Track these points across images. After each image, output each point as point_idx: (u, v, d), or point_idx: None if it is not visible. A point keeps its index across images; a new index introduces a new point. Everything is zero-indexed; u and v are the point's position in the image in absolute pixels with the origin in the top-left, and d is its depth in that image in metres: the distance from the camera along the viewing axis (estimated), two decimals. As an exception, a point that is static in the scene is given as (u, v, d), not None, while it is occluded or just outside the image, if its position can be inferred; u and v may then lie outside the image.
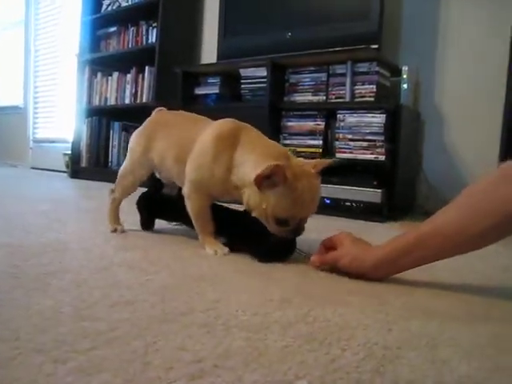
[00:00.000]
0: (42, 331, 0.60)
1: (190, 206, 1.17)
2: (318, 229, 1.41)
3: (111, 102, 3.62)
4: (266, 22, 2.55)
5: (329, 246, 1.01)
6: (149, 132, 1.33)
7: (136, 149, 1.34)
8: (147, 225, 1.39)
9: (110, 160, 3.60)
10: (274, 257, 1.09)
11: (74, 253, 1.09)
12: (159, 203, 1.38)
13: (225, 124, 1.16)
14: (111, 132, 3.62)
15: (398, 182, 2.09)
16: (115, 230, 1.33)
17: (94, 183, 3.34)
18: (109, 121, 3.66)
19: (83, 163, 3.76)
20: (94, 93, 3.76)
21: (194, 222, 1.18)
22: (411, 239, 0.88)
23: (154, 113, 1.43)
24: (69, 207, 2.05)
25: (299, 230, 1.05)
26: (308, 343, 0.61)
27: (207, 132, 1.15)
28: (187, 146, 1.18)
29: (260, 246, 1.10)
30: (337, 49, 2.23)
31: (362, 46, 2.14)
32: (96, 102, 3.75)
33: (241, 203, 1.10)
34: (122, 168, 1.39)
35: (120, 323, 0.64)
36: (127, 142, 3.36)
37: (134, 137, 1.38)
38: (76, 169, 3.78)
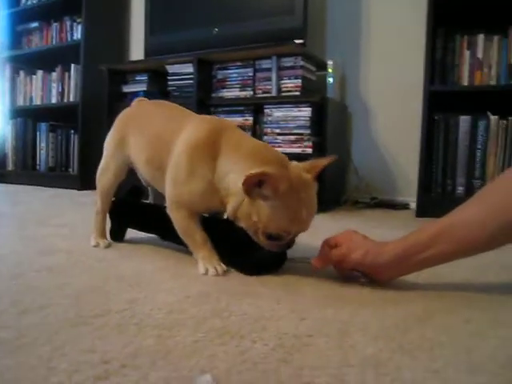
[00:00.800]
0: None
1: (175, 224, 1.01)
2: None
3: (36, 101, 3.46)
4: (193, 19, 2.52)
5: (333, 244, 0.90)
6: (122, 126, 1.20)
7: (110, 143, 1.20)
8: (115, 235, 1.24)
9: (37, 163, 3.44)
10: (264, 269, 0.96)
11: None
12: (134, 211, 1.23)
13: (201, 127, 0.99)
14: (38, 133, 3.46)
15: (326, 174, 2.12)
16: (97, 245, 1.18)
17: (22, 187, 3.18)
18: (35, 122, 3.49)
19: (9, 166, 3.59)
20: (18, 92, 3.59)
21: (183, 238, 1.02)
22: (432, 232, 0.82)
23: (133, 103, 1.28)
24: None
25: (291, 243, 0.93)
26: (220, 337, 0.62)
27: (181, 138, 0.99)
28: (160, 148, 1.04)
29: (246, 258, 0.97)
30: (262, 44, 2.23)
31: (287, 41, 2.16)
32: (20, 102, 3.57)
33: None
34: (98, 169, 1.23)
35: (28, 330, 0.62)
36: (55, 144, 3.31)
37: (110, 132, 1.23)
38: (1, 172, 3.60)
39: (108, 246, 1.18)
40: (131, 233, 1.25)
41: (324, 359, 0.56)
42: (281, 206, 0.86)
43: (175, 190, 1.00)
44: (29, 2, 3.46)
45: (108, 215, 1.23)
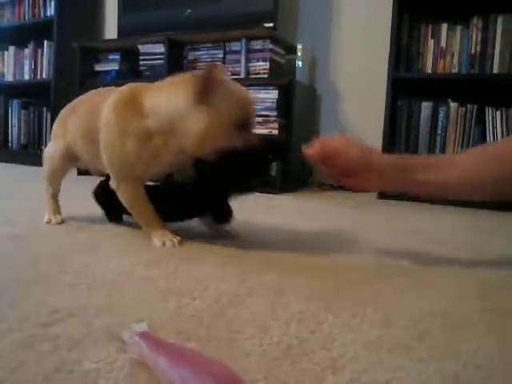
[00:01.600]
0: None
1: (122, 198, 1.02)
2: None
3: (8, 78, 3.43)
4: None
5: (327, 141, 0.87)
6: (63, 114, 1.22)
7: (54, 130, 1.23)
8: (113, 216, 1.22)
9: (9, 140, 3.43)
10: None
11: None
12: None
13: (120, 90, 1.02)
14: (10, 110, 3.44)
15: (291, 155, 2.18)
16: (49, 221, 1.18)
17: (-7, 165, 3.18)
18: (7, 98, 3.47)
19: (-21, 144, 3.56)
20: (-11, 69, 3.55)
21: (133, 214, 1.04)
22: (435, 159, 0.85)
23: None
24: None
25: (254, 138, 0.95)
26: (162, 295, 0.67)
27: (105, 104, 1.01)
28: (91, 119, 1.05)
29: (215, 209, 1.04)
30: (233, 27, 2.26)
31: (258, 25, 2.20)
32: (-8, 78, 3.54)
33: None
34: (44, 154, 1.24)
35: None
36: (27, 121, 3.30)
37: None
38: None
39: (61, 223, 1.19)
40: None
41: (254, 314, 0.62)
42: (230, 91, 0.91)
43: (112, 157, 1.00)
44: (0, -25, 3.41)
45: (94, 197, 1.21)
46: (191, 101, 0.89)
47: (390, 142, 2.10)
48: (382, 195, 2.06)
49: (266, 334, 0.56)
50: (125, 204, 1.03)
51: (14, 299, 0.64)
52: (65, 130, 1.17)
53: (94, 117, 1.03)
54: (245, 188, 1.01)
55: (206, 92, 0.87)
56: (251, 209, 1.56)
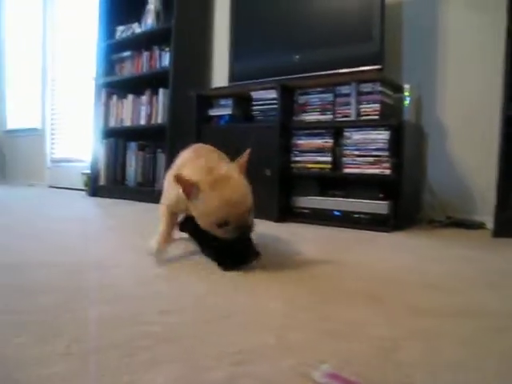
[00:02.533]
0: (110, 333, 0.75)
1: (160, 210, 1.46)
2: (327, 238, 1.55)
3: (127, 123, 3.79)
4: (275, 46, 2.71)
5: None
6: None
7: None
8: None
9: (126, 178, 3.76)
10: (234, 263, 1.24)
11: (111, 269, 1.24)
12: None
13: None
14: (128, 152, 3.79)
15: (403, 193, 2.22)
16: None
17: (113, 200, 3.50)
18: (125, 141, 3.83)
19: (101, 181, 3.93)
20: (111, 115, 3.94)
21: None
22: None
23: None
24: (95, 225, 2.20)
25: (242, 227, 1.20)
26: (325, 336, 0.76)
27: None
28: None
29: (218, 256, 1.28)
30: (342, 71, 2.37)
31: (366, 68, 2.29)
32: (112, 123, 3.92)
33: None
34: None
35: (171, 326, 0.80)
36: (143, 161, 3.61)
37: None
38: (95, 187, 3.96)
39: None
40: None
41: (415, 358, 0.69)
42: (208, 198, 1.17)
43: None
44: (123, 35, 3.82)
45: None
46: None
47: (506, 176, 2.04)
48: (497, 232, 2.02)
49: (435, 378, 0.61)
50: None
51: (204, 337, 0.75)
52: None
53: None
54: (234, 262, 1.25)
55: (188, 195, 1.20)
56: (371, 248, 1.62)
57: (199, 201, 1.18)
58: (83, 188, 4.22)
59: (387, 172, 2.18)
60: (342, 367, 0.64)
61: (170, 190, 1.38)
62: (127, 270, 1.23)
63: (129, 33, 3.77)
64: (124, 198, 3.58)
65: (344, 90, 2.38)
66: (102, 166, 3.92)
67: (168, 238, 1.40)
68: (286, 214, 2.44)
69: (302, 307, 0.93)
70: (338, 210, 2.29)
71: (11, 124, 5.96)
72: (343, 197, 2.29)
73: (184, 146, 1.63)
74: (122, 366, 0.63)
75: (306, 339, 0.75)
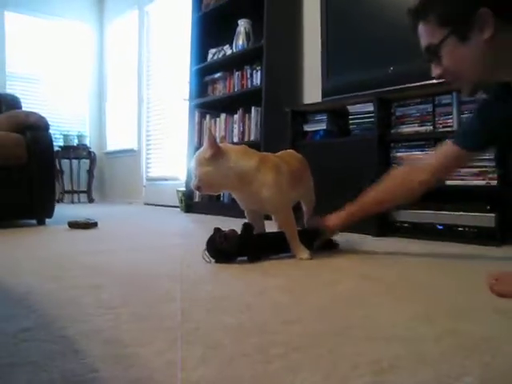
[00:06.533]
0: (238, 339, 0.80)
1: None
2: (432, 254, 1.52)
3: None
4: (367, 60, 2.70)
5: None
6: None
7: None
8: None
9: (221, 194, 3.89)
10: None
11: (227, 280, 1.30)
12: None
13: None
14: (221, 169, 3.91)
15: (511, 205, 2.11)
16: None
17: (208, 217, 3.64)
18: (219, 159, 3.96)
19: (196, 198, 4.10)
20: (204, 133, 4.11)
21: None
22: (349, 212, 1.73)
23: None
24: (197, 240, 2.30)
25: None
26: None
27: None
28: None
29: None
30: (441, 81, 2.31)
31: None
32: (206, 142, 4.07)
33: None
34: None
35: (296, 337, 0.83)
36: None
37: None
38: (190, 204, 4.13)
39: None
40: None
41: None
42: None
43: None
44: (215, 57, 3.99)
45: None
46: None
47: None
48: None
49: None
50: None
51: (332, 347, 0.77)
52: None
53: None
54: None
55: None
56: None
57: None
58: (178, 205, 4.42)
59: (493, 183, 2.09)
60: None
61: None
62: (239, 282, 1.28)
63: (220, 55, 3.94)
64: (218, 215, 3.71)
65: (444, 99, 2.31)
66: (196, 183, 4.08)
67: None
68: (386, 228, 2.40)
69: (423, 319, 0.92)
70: (440, 224, 2.22)
71: (110, 146, 6.40)
72: (447, 210, 2.21)
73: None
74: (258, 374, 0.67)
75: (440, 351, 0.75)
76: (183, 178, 4.30)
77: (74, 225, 2.67)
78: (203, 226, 3.14)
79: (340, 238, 1.93)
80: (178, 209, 4.42)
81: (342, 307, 1.03)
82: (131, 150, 5.80)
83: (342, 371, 0.68)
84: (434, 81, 2.32)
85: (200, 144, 4.09)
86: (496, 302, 1.06)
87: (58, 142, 5.70)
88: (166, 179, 5.15)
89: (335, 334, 0.85)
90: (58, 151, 5.58)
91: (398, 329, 0.87)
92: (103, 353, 0.75)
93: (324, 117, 2.82)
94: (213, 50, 4.04)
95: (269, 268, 1.49)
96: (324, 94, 2.91)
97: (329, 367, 0.69)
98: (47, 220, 2.85)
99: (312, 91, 3.36)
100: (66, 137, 5.83)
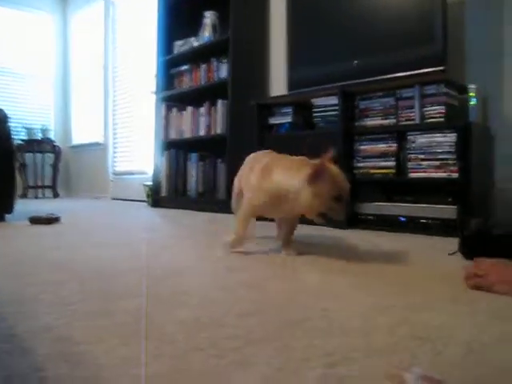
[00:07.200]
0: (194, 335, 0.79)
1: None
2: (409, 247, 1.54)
3: (187, 134, 3.89)
4: (332, 52, 2.72)
5: None
6: None
7: None
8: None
9: (188, 188, 3.86)
10: None
11: (191, 275, 1.29)
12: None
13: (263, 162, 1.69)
14: (188, 162, 3.89)
15: (471, 197, 2.16)
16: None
17: (174, 211, 3.61)
18: (185, 152, 3.93)
19: (163, 193, 4.06)
20: (171, 127, 4.06)
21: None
22: None
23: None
24: (164, 234, 2.28)
25: (348, 200, 1.43)
26: (410, 340, 0.76)
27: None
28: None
29: None
30: (403, 74, 2.34)
31: (429, 70, 2.25)
32: (173, 135, 4.04)
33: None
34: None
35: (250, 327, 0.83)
36: (204, 171, 3.69)
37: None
38: (157, 198, 4.09)
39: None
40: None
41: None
42: (332, 176, 1.40)
43: None
44: (181, 49, 3.94)
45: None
46: (304, 183, 1.40)
47: None
48: None
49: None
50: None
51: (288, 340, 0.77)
52: None
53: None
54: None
55: (315, 178, 1.38)
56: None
57: (320, 182, 1.38)
58: (145, 199, 4.37)
59: (455, 175, 2.13)
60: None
61: (258, 189, 1.57)
62: (204, 276, 1.27)
63: (186, 47, 3.89)
64: (185, 208, 3.68)
65: (406, 93, 2.34)
66: (163, 177, 4.05)
67: (242, 241, 1.63)
68: (351, 220, 2.42)
69: (382, 311, 0.93)
70: (403, 216, 2.26)
71: (76, 139, 6.27)
72: (409, 202, 2.25)
73: (244, 154, 1.78)
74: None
75: (389, 342, 0.76)
76: (150, 171, 4.24)
77: (36, 220, 2.60)
78: (170, 220, 3.11)
79: (307, 230, 1.94)
80: (146, 203, 4.37)
81: (303, 300, 1.03)
82: (97, 144, 5.69)
83: (294, 364, 0.67)
84: (397, 74, 2.37)
85: (168, 137, 4.05)
86: (455, 292, 1.08)
87: (20, 136, 5.54)
88: (133, 173, 5.08)
89: (292, 326, 0.85)
90: (20, 145, 5.43)
91: (355, 320, 0.88)
92: (52, 351, 0.73)
93: (289, 110, 2.82)
94: (179, 42, 3.99)
95: (234, 262, 1.48)
96: (290, 87, 2.91)
97: (281, 360, 0.69)
98: (6, 216, 2.77)
99: (279, 84, 3.37)
100: (29, 130, 5.67)
